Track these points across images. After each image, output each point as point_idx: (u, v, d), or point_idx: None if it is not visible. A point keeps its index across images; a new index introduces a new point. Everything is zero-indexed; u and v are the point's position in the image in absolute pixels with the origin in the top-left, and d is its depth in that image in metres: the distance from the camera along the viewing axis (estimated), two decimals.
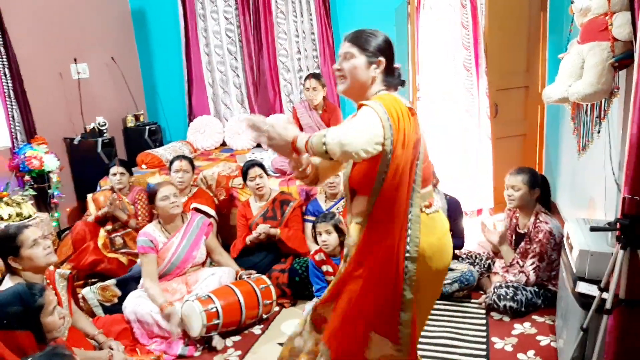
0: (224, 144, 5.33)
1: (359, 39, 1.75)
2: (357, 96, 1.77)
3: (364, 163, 1.68)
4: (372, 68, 1.73)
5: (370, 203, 1.72)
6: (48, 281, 2.41)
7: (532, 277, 2.86)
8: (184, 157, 3.77)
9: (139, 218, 3.74)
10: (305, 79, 4.09)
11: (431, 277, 1.77)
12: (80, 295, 2.97)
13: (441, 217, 1.83)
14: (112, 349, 2.47)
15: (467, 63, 4.37)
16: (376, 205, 1.71)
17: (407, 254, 1.69)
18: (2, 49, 3.98)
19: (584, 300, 2.11)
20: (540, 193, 2.99)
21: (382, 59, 1.74)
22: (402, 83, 1.83)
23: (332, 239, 2.96)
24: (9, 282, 2.25)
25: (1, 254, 2.29)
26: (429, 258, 1.73)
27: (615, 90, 2.26)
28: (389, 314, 1.73)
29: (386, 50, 1.76)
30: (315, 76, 4.08)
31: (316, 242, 3.12)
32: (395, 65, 1.81)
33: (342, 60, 1.77)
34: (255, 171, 3.49)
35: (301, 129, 4.20)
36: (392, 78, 1.79)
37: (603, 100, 2.37)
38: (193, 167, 3.78)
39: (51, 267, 2.47)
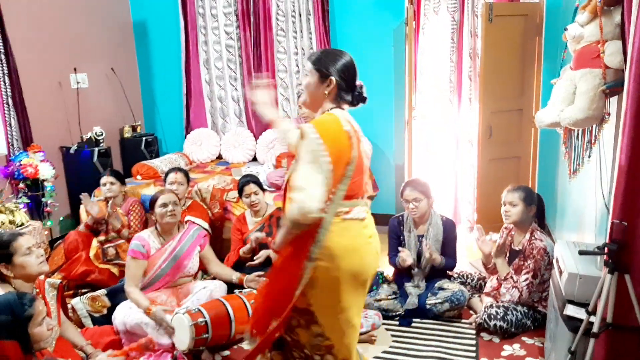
0: (219, 157, 5.36)
1: (316, 59, 1.93)
2: (313, 108, 1.97)
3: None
4: (323, 86, 1.90)
5: None
6: (37, 290, 2.39)
7: (525, 292, 2.87)
8: (179, 169, 3.78)
9: (131, 229, 3.73)
10: (299, 97, 4.13)
11: (341, 276, 1.86)
12: (69, 306, 2.95)
13: (361, 224, 1.93)
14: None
15: (457, 88, 4.47)
16: None
17: (308, 254, 1.80)
18: (3, 57, 4.01)
19: (573, 323, 2.12)
20: (536, 211, 3.02)
21: (333, 78, 1.88)
22: (361, 100, 1.96)
23: None
24: None
25: None
26: (339, 257, 1.84)
27: (606, 116, 2.31)
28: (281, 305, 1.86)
29: (340, 71, 1.89)
30: None
31: None
32: (357, 83, 1.94)
33: (304, 76, 1.97)
34: (250, 188, 3.50)
35: None
36: (348, 96, 1.93)
37: (594, 126, 2.41)
38: (188, 179, 3.79)
39: (41, 277, 2.45)
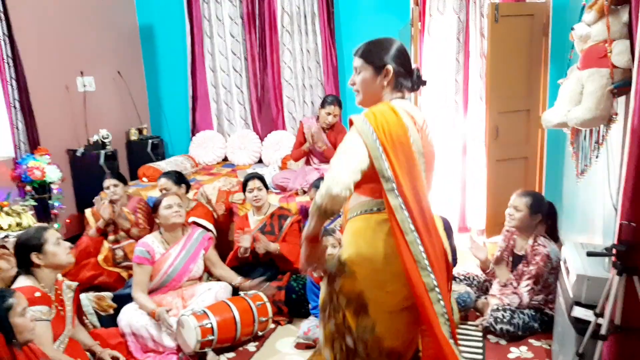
0: (225, 159, 5.37)
1: (365, 52, 1.80)
2: (372, 104, 1.76)
3: None
4: (379, 78, 1.76)
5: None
6: (57, 287, 2.45)
7: (526, 298, 2.85)
8: (166, 173, 3.75)
9: (140, 226, 3.73)
10: (329, 104, 4.05)
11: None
12: None
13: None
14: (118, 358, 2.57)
15: (463, 89, 4.45)
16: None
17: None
18: (11, 61, 4.03)
19: (580, 325, 2.09)
20: (544, 220, 2.98)
21: (389, 67, 1.75)
22: (422, 83, 1.83)
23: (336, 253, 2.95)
24: (22, 281, 2.33)
25: (26, 250, 2.36)
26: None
27: (614, 116, 2.28)
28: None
29: (395, 57, 1.76)
30: (339, 103, 4.10)
31: None
32: (413, 67, 1.80)
33: (354, 74, 1.82)
34: (254, 183, 3.51)
35: (304, 143, 4.23)
36: (407, 81, 1.79)
37: (601, 126, 2.39)
38: (176, 182, 3.70)
39: (60, 277, 2.51)
